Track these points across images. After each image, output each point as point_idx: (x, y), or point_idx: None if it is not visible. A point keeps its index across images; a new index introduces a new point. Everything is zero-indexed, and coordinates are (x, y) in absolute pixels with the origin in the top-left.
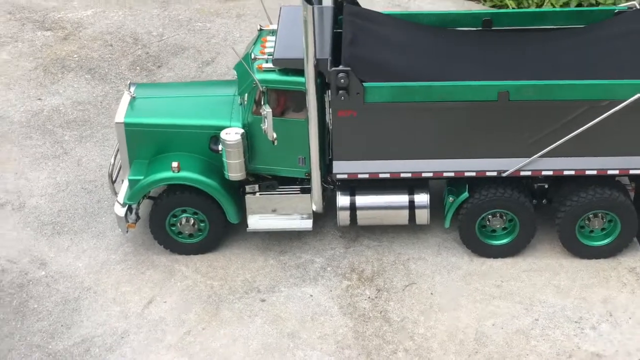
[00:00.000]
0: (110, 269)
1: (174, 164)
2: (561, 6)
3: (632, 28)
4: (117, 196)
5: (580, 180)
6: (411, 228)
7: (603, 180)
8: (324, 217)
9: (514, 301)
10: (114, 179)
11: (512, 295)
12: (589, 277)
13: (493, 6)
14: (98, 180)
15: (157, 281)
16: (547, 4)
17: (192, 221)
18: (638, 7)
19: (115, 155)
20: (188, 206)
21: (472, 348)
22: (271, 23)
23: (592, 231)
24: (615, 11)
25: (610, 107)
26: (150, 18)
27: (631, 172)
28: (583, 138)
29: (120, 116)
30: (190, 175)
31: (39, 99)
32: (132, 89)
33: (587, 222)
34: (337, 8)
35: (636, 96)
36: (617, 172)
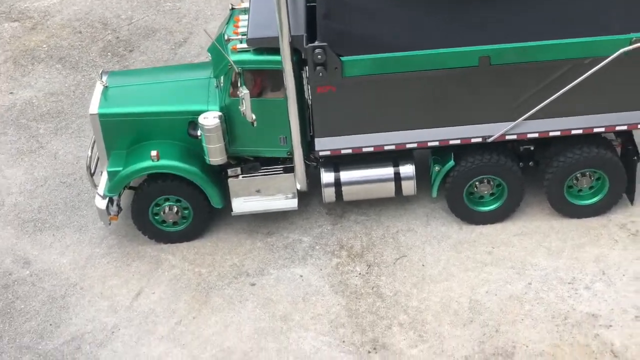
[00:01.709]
0: (96, 263)
1: (153, 153)
2: None
3: None
4: (97, 189)
5: (566, 140)
6: (398, 200)
7: (589, 138)
8: (309, 195)
9: (506, 267)
10: (92, 171)
11: (503, 261)
12: (580, 236)
13: None
14: (76, 172)
15: (144, 272)
16: None
17: (176, 209)
18: None
19: (92, 147)
20: (170, 194)
21: (467, 317)
22: (243, 1)
23: (580, 190)
24: None
25: (593, 65)
26: (118, 1)
27: (617, 128)
28: (567, 98)
29: (94, 107)
30: (170, 163)
31: (11, 92)
32: (105, 78)
33: (575, 181)
34: None
35: (619, 52)
36: (602, 129)
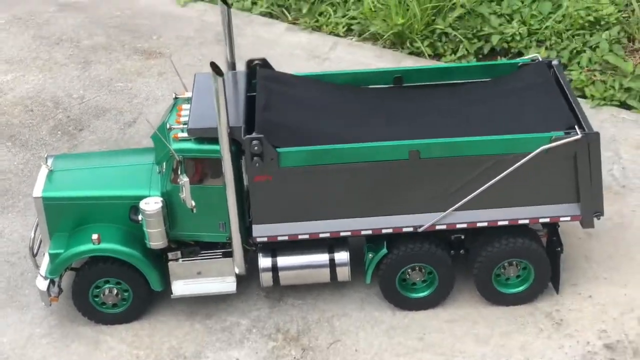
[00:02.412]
0: (36, 343)
1: (94, 236)
2: (475, 51)
3: (534, 80)
4: (39, 269)
5: (494, 231)
6: (334, 284)
7: (515, 229)
8: (248, 278)
9: (436, 353)
10: (35, 252)
11: (434, 347)
12: (507, 324)
13: (410, 53)
14: (21, 251)
15: (83, 353)
16: (461, 49)
17: (116, 291)
18: (540, 59)
19: (36, 228)
20: (111, 276)
21: None
22: (186, 91)
23: (508, 279)
24: (519, 64)
25: (516, 160)
26: (71, 80)
27: (540, 220)
28: (493, 190)
29: (38, 190)
30: (111, 246)
31: None
32: (50, 161)
33: (502, 270)
34: (251, 72)
35: (539, 149)
36: (527, 221)
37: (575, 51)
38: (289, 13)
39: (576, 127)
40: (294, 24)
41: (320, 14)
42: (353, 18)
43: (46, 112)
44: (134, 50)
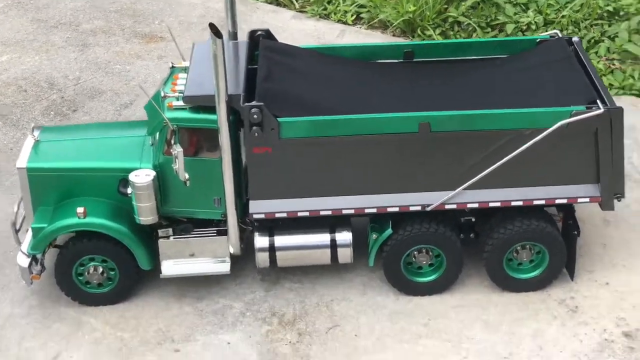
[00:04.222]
0: (15, 324)
1: (80, 210)
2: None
3: (553, 56)
4: (20, 246)
5: (506, 212)
6: (335, 268)
7: (530, 211)
8: (243, 260)
9: (442, 339)
10: (17, 227)
11: (439, 333)
12: (519, 310)
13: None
14: (6, 230)
15: (64, 335)
16: (476, 36)
17: (101, 270)
18: (560, 35)
19: (19, 203)
20: (96, 254)
21: None
22: (184, 60)
23: (520, 264)
24: (537, 40)
25: (534, 136)
26: (68, 62)
27: (557, 201)
28: (508, 168)
29: (22, 161)
30: (97, 220)
31: None
32: (36, 132)
33: (515, 254)
34: (253, 43)
35: (559, 124)
36: (542, 202)
37: (593, 40)
38: (296, 1)
39: (598, 101)
40: (301, 12)
41: (329, 1)
42: (362, 6)
43: (40, 93)
44: (134, 34)
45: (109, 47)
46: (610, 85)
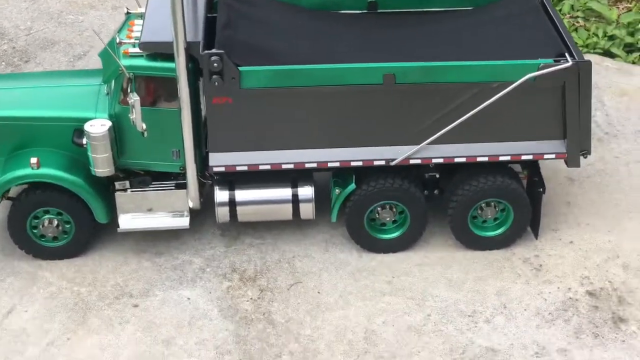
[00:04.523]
0: None
1: (33, 160)
2: None
3: (520, 9)
4: None
5: (471, 169)
6: (296, 224)
7: (494, 168)
8: (203, 214)
9: (405, 297)
10: None
11: (403, 291)
12: (483, 269)
13: None
14: None
15: (18, 289)
16: None
17: (56, 223)
18: None
19: None
20: (51, 206)
21: (362, 348)
22: (140, 7)
23: (484, 221)
24: None
25: (500, 90)
26: (19, 11)
27: (523, 157)
28: (473, 123)
29: None
30: (51, 171)
31: None
32: None
33: (479, 211)
34: None
35: (526, 77)
36: (508, 157)
37: None
38: None
39: (566, 54)
40: None
41: None
42: None
43: None
44: None
45: None
46: (575, 43)
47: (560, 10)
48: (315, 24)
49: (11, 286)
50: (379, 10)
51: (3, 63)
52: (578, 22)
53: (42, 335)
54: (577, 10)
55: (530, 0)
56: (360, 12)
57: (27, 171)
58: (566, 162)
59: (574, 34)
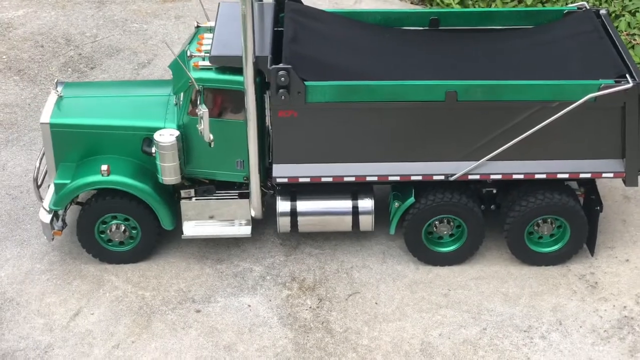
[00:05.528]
0: (35, 279)
1: (104, 167)
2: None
3: (581, 29)
4: (42, 202)
5: (529, 185)
6: (355, 235)
7: (552, 184)
8: (264, 224)
9: (461, 310)
10: (39, 183)
11: (459, 304)
12: (538, 284)
13: None
14: (24, 185)
15: (85, 292)
16: (495, 6)
17: (123, 228)
18: (587, 7)
19: (41, 158)
20: (119, 212)
21: (418, 359)
22: (209, 20)
23: (541, 237)
24: (565, 12)
25: (560, 109)
26: (84, 19)
27: (581, 176)
28: (533, 141)
29: (45, 116)
30: (120, 179)
31: None
32: (60, 88)
33: (536, 227)
34: (279, 5)
35: (586, 97)
36: (566, 175)
37: (614, 15)
38: None
39: (627, 75)
40: None
41: None
42: None
43: (57, 49)
44: None
45: (125, 5)
46: None
47: (617, 27)
48: (378, 39)
49: (78, 289)
50: (440, 27)
51: (69, 69)
52: (635, 39)
53: (107, 338)
54: (634, 27)
55: (591, 19)
56: (422, 28)
57: (97, 178)
58: (624, 181)
59: (630, 51)
